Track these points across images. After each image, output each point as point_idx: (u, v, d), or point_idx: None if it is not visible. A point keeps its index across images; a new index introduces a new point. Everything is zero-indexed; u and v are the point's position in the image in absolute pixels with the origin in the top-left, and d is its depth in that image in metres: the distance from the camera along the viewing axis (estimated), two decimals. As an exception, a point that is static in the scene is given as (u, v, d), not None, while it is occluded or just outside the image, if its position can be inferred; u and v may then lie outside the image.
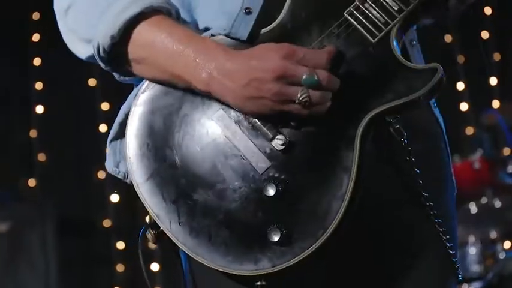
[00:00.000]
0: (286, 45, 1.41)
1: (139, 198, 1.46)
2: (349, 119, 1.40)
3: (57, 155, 5.41)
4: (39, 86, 5.36)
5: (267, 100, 1.39)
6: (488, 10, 5.55)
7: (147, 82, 1.50)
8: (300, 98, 1.37)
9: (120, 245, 5.32)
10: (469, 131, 5.45)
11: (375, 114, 1.40)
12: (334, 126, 1.41)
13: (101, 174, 5.25)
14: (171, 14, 1.50)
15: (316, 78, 1.37)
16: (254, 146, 1.42)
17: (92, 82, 5.20)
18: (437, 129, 1.63)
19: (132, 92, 1.57)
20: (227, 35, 1.49)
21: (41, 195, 5.38)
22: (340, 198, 1.37)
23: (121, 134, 1.53)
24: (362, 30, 1.44)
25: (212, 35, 1.50)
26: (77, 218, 5.54)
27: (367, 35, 1.43)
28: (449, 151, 1.65)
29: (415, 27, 1.63)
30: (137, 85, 1.55)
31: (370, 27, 1.43)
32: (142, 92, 1.49)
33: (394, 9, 1.43)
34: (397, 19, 1.43)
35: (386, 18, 1.43)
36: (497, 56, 5.58)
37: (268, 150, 1.41)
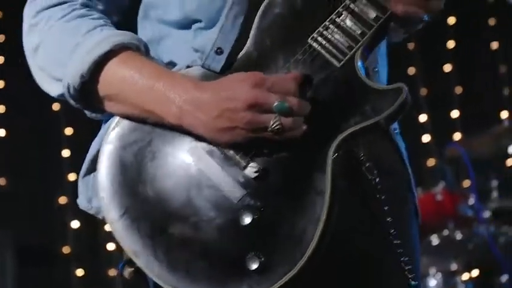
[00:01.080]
0: (255, 73, 1.43)
1: (111, 235, 1.45)
2: (320, 143, 1.42)
3: (17, 179, 5.35)
4: (1, 109, 5.30)
5: (240, 129, 1.40)
6: (450, 43, 5.64)
7: (118, 118, 1.51)
8: (273, 126, 1.38)
9: (80, 272, 5.25)
10: (431, 162, 5.50)
11: (345, 136, 1.42)
12: (305, 151, 1.43)
13: (62, 200, 5.20)
14: (140, 50, 1.51)
15: (286, 104, 1.39)
16: (228, 176, 1.42)
17: (55, 107, 5.16)
18: (404, 165, 1.65)
19: (103, 129, 1.58)
20: (202, 66, 1.50)
21: (-2, 222, 5.31)
22: (315, 221, 1.37)
23: (93, 170, 1.53)
24: (327, 55, 1.46)
25: (188, 66, 1.52)
26: (36, 245, 5.46)
27: (332, 60, 1.46)
28: (414, 186, 1.67)
29: (381, 47, 1.66)
30: (107, 121, 1.55)
31: (334, 51, 1.46)
32: (113, 129, 1.50)
33: (357, 33, 1.46)
34: (361, 42, 1.46)
35: (349, 42, 1.46)
36: (459, 89, 5.65)
37: (242, 179, 1.42)
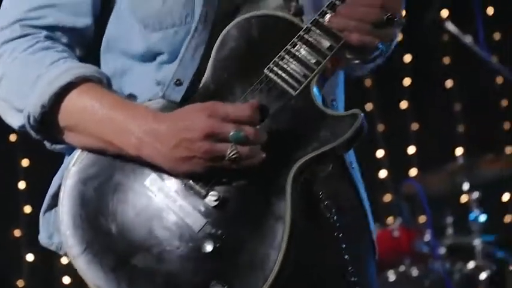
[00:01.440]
0: (211, 103, 1.45)
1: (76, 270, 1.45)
2: (279, 170, 1.44)
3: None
4: (-43, 139, 5.24)
5: (198, 159, 1.42)
6: (407, 81, 5.72)
7: (78, 153, 1.52)
8: (230, 154, 1.40)
9: (34, 305, 5.17)
10: (388, 198, 5.54)
11: (303, 163, 1.44)
12: (264, 178, 1.45)
13: (17, 233, 5.13)
14: (102, 83, 1.53)
15: (242, 133, 1.41)
16: (188, 206, 1.44)
17: (12, 137, 5.11)
18: (361, 202, 1.68)
19: (64, 164, 1.59)
20: (162, 97, 1.53)
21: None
22: (277, 247, 1.39)
23: (54, 205, 1.53)
24: (283, 84, 1.49)
25: (150, 99, 1.54)
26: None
27: (288, 88, 1.49)
28: (372, 223, 1.68)
29: (339, 82, 1.69)
30: (69, 154, 1.56)
31: (290, 80, 1.49)
32: (73, 164, 1.51)
33: (311, 62, 1.50)
34: (316, 71, 1.49)
35: (305, 71, 1.49)
36: (415, 126, 5.72)
37: (202, 208, 1.43)
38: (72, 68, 1.52)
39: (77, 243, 1.45)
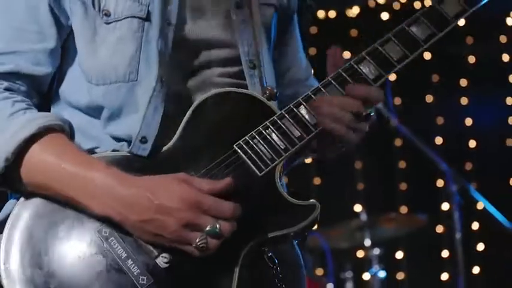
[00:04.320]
0: (194, 193, 1.43)
1: None
2: (232, 247, 1.46)
3: None
4: None
5: (163, 238, 1.43)
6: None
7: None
8: (198, 244, 1.42)
9: None
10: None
11: (257, 243, 1.48)
12: (219, 252, 1.45)
13: None
14: (65, 131, 1.52)
15: (218, 230, 1.42)
16: (138, 261, 1.43)
17: None
18: (300, 261, 1.73)
19: (11, 199, 1.56)
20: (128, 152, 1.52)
21: None
22: None
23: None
24: (250, 163, 1.52)
25: (114, 150, 1.54)
26: None
27: (254, 169, 1.52)
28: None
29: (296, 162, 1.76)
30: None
31: (257, 161, 1.52)
32: (27, 198, 1.49)
33: (280, 147, 1.54)
34: (283, 157, 1.53)
35: (272, 154, 1.53)
36: (317, 180, 5.83)
37: (151, 267, 1.43)
38: (35, 118, 1.50)
39: (20, 280, 1.41)
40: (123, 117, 1.55)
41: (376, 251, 4.68)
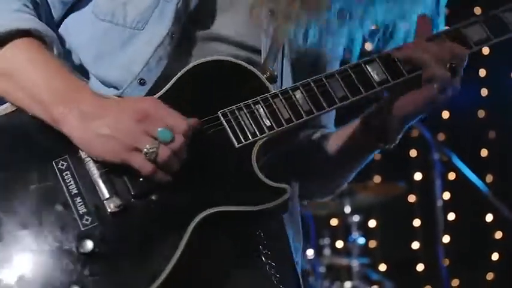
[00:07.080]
0: (155, 103, 1.41)
1: None
2: (190, 208, 1.39)
3: None
4: None
5: (116, 142, 1.37)
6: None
7: None
8: (149, 148, 1.36)
9: None
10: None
11: (216, 212, 1.39)
12: (175, 208, 1.40)
13: None
14: (50, 44, 1.49)
15: (171, 135, 1.37)
16: (87, 201, 1.38)
17: None
18: (290, 250, 1.68)
19: None
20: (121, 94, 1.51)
21: None
22: (150, 281, 1.33)
23: None
24: (229, 132, 1.47)
25: None
26: None
27: (233, 139, 1.47)
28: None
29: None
30: None
31: (238, 132, 1.47)
32: None
33: (265, 124, 1.48)
34: (265, 134, 1.48)
35: (256, 129, 1.48)
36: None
37: (99, 209, 1.38)
38: (30, 19, 1.48)
39: None
40: (115, 59, 1.55)
41: (356, 218, 4.72)
